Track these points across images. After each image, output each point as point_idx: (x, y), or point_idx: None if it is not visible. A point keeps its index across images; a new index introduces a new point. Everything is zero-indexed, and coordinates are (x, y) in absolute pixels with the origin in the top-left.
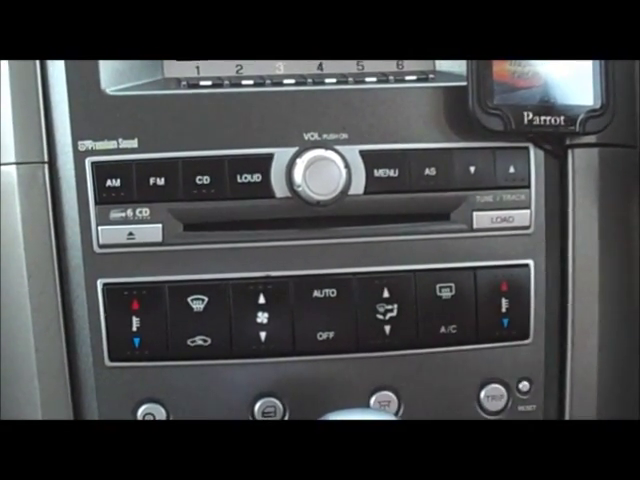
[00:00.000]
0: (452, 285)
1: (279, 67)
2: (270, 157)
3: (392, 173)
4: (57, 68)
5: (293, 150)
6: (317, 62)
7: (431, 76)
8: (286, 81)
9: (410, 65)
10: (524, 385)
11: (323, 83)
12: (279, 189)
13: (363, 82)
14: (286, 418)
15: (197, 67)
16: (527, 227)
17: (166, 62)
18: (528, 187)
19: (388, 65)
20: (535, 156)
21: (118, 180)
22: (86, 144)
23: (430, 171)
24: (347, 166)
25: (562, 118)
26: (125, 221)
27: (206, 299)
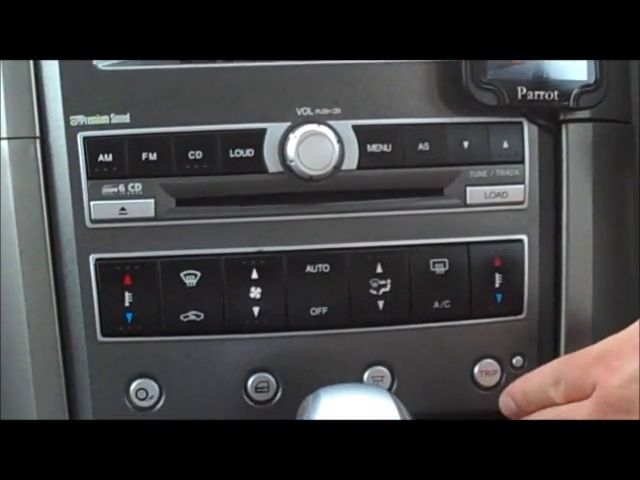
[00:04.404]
0: (446, 260)
1: None
2: (263, 132)
3: (385, 148)
4: None
5: (286, 125)
6: None
7: None
8: None
9: None
10: (518, 360)
11: None
12: (272, 164)
13: None
14: (279, 393)
15: None
16: (521, 202)
17: None
18: (522, 162)
19: None
20: (529, 131)
21: (110, 155)
22: (78, 119)
23: (424, 146)
24: (340, 141)
25: (556, 93)
26: (117, 196)
27: (199, 274)
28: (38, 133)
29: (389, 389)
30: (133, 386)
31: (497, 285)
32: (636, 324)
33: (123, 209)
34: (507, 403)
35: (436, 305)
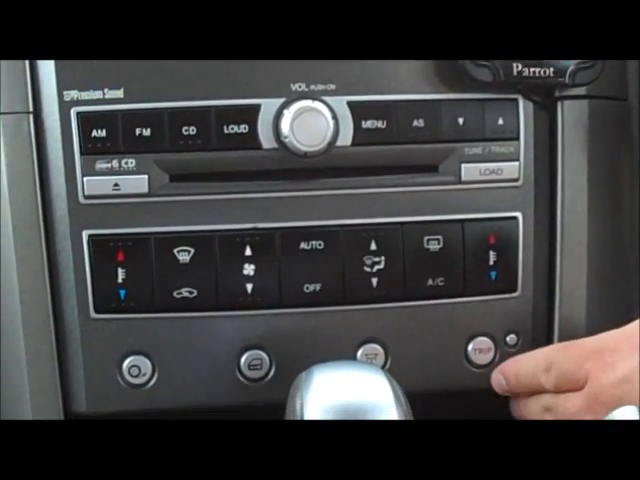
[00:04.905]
0: (440, 238)
1: None
2: (257, 108)
3: (380, 124)
4: None
5: (280, 101)
6: None
7: None
8: None
9: None
10: (512, 338)
11: None
12: (266, 140)
13: None
14: (272, 371)
15: None
16: (516, 179)
17: None
18: (517, 139)
19: None
20: (524, 108)
21: (104, 130)
22: (71, 94)
23: (418, 122)
24: (335, 117)
25: (551, 69)
26: (111, 172)
27: (192, 251)
28: (31, 108)
29: (383, 367)
30: (126, 363)
31: (491, 263)
32: (636, 322)
33: (116, 185)
34: (499, 380)
35: (430, 282)
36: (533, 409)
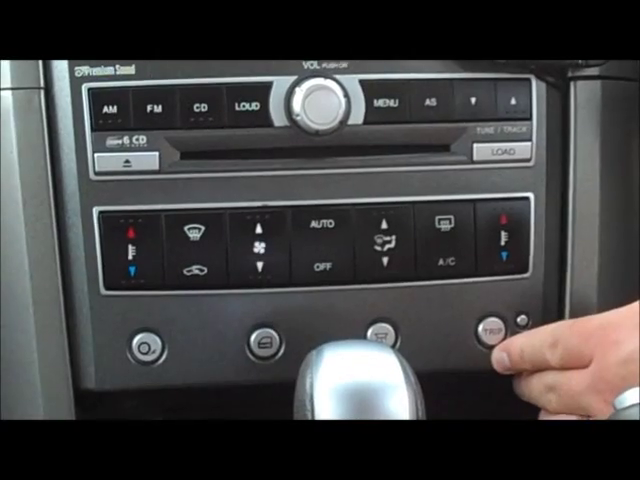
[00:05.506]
0: (451, 217)
1: None
2: (269, 85)
3: (392, 103)
4: None
5: (292, 79)
6: None
7: None
8: None
9: None
10: (522, 319)
11: None
12: (278, 118)
13: None
14: (282, 349)
15: None
16: (528, 160)
17: None
18: (529, 119)
19: None
20: (537, 88)
21: (115, 107)
22: (83, 70)
23: (430, 102)
24: (347, 95)
25: None
26: (121, 148)
27: (203, 228)
28: (42, 84)
29: (393, 346)
30: (135, 340)
31: (502, 243)
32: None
33: (127, 161)
34: (501, 358)
35: (441, 262)
36: (535, 388)
